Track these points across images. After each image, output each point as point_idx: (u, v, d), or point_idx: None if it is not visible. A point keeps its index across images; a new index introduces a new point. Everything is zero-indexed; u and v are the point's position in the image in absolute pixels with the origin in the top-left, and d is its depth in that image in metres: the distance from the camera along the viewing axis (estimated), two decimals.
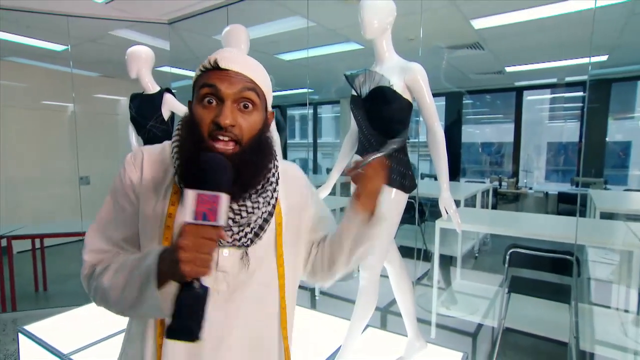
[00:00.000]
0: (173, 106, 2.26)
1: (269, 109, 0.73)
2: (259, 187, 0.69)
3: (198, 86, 0.66)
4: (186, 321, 0.52)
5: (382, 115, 1.51)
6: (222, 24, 2.21)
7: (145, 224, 0.70)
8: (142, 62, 2.25)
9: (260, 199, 0.69)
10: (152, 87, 2.28)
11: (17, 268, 3.26)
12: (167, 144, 0.75)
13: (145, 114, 2.24)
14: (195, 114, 0.65)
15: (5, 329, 2.88)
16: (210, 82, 0.64)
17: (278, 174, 0.75)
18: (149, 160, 0.72)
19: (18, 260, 3.81)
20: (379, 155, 0.71)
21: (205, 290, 0.55)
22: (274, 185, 0.73)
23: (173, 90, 2.35)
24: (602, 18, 2.89)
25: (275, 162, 0.74)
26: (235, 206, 0.66)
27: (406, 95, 1.50)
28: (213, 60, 0.65)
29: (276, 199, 0.74)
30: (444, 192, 1.53)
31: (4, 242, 3.15)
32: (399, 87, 1.48)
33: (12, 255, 3.20)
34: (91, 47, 3.81)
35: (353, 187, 0.74)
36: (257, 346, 0.74)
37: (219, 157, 0.58)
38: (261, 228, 0.71)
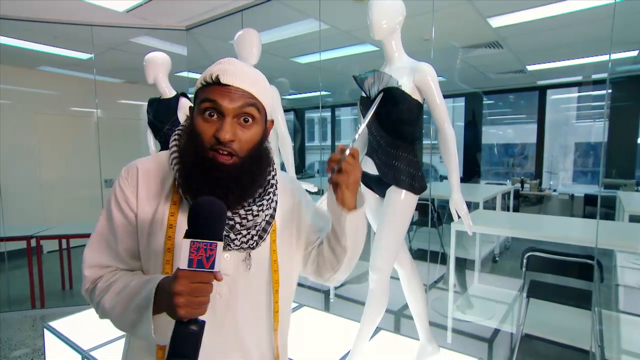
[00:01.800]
0: (189, 110, 2.32)
1: (269, 117, 0.74)
2: (261, 190, 0.72)
3: (200, 99, 0.68)
4: (182, 354, 0.55)
5: (390, 116, 1.50)
6: (237, 28, 2.25)
7: (145, 237, 0.72)
8: (159, 67, 2.32)
9: (264, 202, 0.72)
10: (169, 92, 2.35)
11: (45, 267, 3.43)
12: (162, 154, 0.77)
13: (162, 118, 2.31)
14: (197, 126, 0.67)
15: (34, 324, 3.02)
16: (211, 97, 0.66)
17: (276, 178, 0.78)
18: (144, 174, 0.73)
19: (47, 259, 4.00)
20: (350, 147, 0.69)
21: (201, 326, 0.57)
22: (274, 188, 0.76)
23: (190, 95, 2.41)
24: (629, 11, 2.76)
25: (274, 167, 0.77)
26: (242, 212, 0.69)
27: (415, 96, 1.48)
28: (215, 75, 0.66)
29: (277, 202, 0.76)
30: (455, 193, 1.50)
31: (33, 242, 3.30)
32: (408, 87, 1.46)
33: (40, 254, 3.35)
34: (114, 55, 3.96)
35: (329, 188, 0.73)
36: (251, 349, 0.75)
37: (215, 201, 0.58)
38: (264, 231, 0.73)
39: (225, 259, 0.70)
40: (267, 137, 0.74)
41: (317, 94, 4.26)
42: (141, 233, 0.72)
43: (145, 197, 0.72)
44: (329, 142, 8.43)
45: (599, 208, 2.11)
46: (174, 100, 2.31)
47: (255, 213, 0.70)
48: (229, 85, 0.66)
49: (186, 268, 0.55)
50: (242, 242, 0.71)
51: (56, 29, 3.20)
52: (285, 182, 0.84)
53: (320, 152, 9.07)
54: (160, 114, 2.32)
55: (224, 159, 0.66)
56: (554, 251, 1.95)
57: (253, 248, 0.72)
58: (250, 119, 0.68)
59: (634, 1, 2.56)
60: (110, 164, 4.28)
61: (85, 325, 2.07)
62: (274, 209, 0.75)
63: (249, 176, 0.68)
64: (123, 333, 0.75)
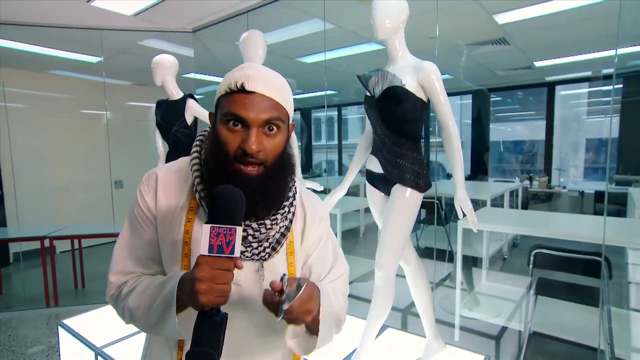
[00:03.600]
0: (196, 111, 2.35)
1: (290, 122, 0.73)
2: (280, 204, 0.72)
3: (223, 108, 0.66)
4: (205, 348, 0.55)
5: (394, 114, 1.51)
6: (243, 29, 2.27)
7: (164, 243, 0.73)
8: (167, 69, 2.35)
9: (279, 216, 0.72)
10: (176, 94, 2.38)
11: (59, 267, 3.50)
12: (182, 160, 0.78)
13: (170, 120, 2.34)
14: (220, 135, 0.66)
15: (49, 322, 3.09)
16: (236, 108, 0.64)
17: (296, 188, 0.77)
18: (164, 180, 0.74)
19: (60, 259, 4.08)
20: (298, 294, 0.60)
21: (223, 317, 0.57)
22: (291, 200, 0.75)
23: (198, 96, 2.45)
24: (637, 5, 2.72)
25: (294, 177, 0.76)
26: (255, 225, 0.69)
27: (419, 95, 1.49)
28: (240, 83, 0.64)
29: (293, 213, 0.76)
30: (460, 191, 1.50)
31: (47, 243, 3.38)
32: (412, 86, 1.47)
33: (54, 254, 3.43)
34: (122, 58, 4.02)
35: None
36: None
37: (233, 189, 0.59)
38: (278, 242, 0.73)
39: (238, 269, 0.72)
40: (289, 142, 0.72)
41: (323, 93, 4.27)
42: (161, 239, 0.74)
43: (164, 204, 0.73)
44: (335, 142, 8.44)
45: (605, 204, 2.09)
46: (181, 102, 2.34)
47: (268, 226, 0.70)
48: (254, 93, 0.64)
49: (207, 254, 0.56)
50: (253, 254, 0.71)
51: (66, 34, 3.26)
52: (321, 208, 0.83)
53: (327, 151, 9.08)
54: (168, 115, 2.35)
55: (249, 170, 0.65)
56: (561, 248, 1.93)
57: (265, 259, 0.72)
58: (275, 128, 0.66)
59: None
60: (120, 165, 4.37)
61: (98, 323, 2.12)
62: (290, 220, 0.75)
63: (275, 185, 0.68)
64: (135, 330, 0.77)
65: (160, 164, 2.51)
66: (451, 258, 3.39)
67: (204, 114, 2.35)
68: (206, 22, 3.23)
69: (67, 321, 2.12)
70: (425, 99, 1.51)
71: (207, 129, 0.76)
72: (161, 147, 2.49)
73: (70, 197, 4.95)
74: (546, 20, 3.04)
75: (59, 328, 2.10)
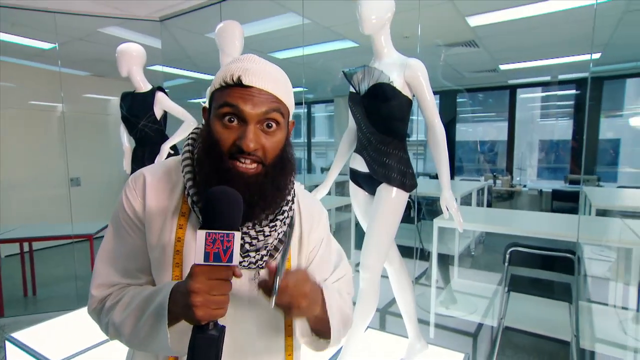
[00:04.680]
0: (166, 105, 2.21)
1: (291, 118, 0.69)
2: (278, 207, 0.67)
3: (218, 102, 0.61)
4: None
5: (381, 112, 1.48)
6: (216, 21, 2.16)
7: (153, 251, 0.66)
8: (133, 60, 2.19)
9: (278, 222, 0.67)
10: (144, 86, 2.23)
11: (4, 272, 3.17)
12: (171, 160, 0.71)
13: (137, 113, 2.18)
14: (215, 132, 0.61)
15: None
16: (232, 102, 0.59)
17: (294, 191, 0.73)
18: (152, 183, 0.67)
19: (6, 264, 3.72)
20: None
21: (220, 331, 0.52)
22: (290, 204, 0.70)
23: (165, 90, 2.30)
24: (597, 15, 2.89)
25: (293, 181, 0.71)
26: (252, 233, 0.64)
27: (406, 92, 1.47)
28: (237, 76, 0.60)
29: (292, 218, 0.71)
30: (446, 190, 1.49)
31: None
32: (398, 83, 1.45)
33: None
34: (80, 45, 3.72)
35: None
36: None
37: (230, 190, 0.54)
38: (276, 249, 0.69)
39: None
40: (290, 140, 0.68)
41: (297, 90, 4.21)
42: (150, 247, 0.67)
43: (153, 208, 0.66)
44: (301, 140, 8.38)
45: (580, 204, 2.19)
46: (150, 95, 2.19)
47: (267, 233, 0.66)
48: (251, 87, 0.60)
49: (202, 263, 0.50)
50: (250, 263, 0.66)
51: (14, 15, 2.95)
52: (320, 212, 0.79)
53: (303, 150, 9.02)
54: (135, 108, 2.19)
55: (246, 168, 0.60)
56: (536, 246, 2.01)
57: (262, 267, 0.67)
58: (274, 125, 0.62)
59: (599, 6, 2.67)
60: (77, 161, 4.05)
61: (53, 336, 1.94)
62: (289, 226, 0.70)
63: (274, 185, 0.63)
64: (95, 342, 0.68)
65: (125, 160, 2.35)
66: (424, 256, 3.45)
67: (174, 108, 2.21)
68: (175, 10, 3.05)
69: (17, 334, 1.93)
70: (411, 97, 1.49)
71: (200, 125, 0.69)
72: (127, 142, 2.32)
73: (20, 196, 4.53)
74: (515, 25, 3.16)
75: (6, 342, 1.89)
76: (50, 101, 4.62)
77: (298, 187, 0.77)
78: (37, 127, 4.69)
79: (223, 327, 0.53)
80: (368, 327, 1.97)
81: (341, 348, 1.67)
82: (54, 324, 2.08)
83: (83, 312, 2.27)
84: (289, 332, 0.71)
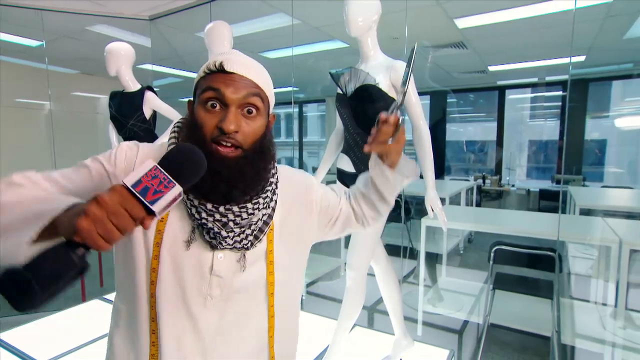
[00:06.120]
0: (155, 105, 2.21)
1: (271, 111, 0.72)
2: (259, 188, 0.69)
3: (201, 88, 0.65)
4: (35, 280, 0.42)
5: (367, 113, 1.50)
6: (205, 20, 2.16)
7: (128, 239, 0.65)
8: (122, 59, 2.18)
9: (260, 200, 0.69)
10: (133, 85, 2.22)
11: None
12: (158, 144, 0.73)
13: (126, 113, 2.18)
14: (198, 117, 0.64)
15: None
16: (214, 86, 0.63)
17: (277, 176, 0.75)
18: (142, 159, 0.68)
19: None
20: (395, 114, 0.76)
21: (83, 264, 0.45)
22: (273, 186, 0.72)
23: (155, 89, 2.29)
24: (580, 19, 2.96)
25: (275, 165, 0.74)
26: (235, 209, 0.65)
27: (392, 94, 1.49)
28: (218, 63, 0.64)
29: (276, 201, 0.73)
30: (430, 190, 1.53)
31: None
32: (384, 85, 1.47)
33: None
34: (68, 43, 3.68)
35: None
36: (246, 354, 0.72)
37: (199, 152, 0.55)
38: (261, 231, 0.70)
39: (219, 259, 0.67)
40: (271, 130, 0.71)
41: (287, 89, 4.23)
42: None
43: None
44: (295, 138, 8.39)
45: (560, 203, 2.26)
46: (139, 94, 2.18)
47: (250, 211, 0.67)
48: (233, 73, 0.64)
49: (127, 185, 0.47)
50: (235, 242, 0.67)
51: (1, 12, 2.91)
52: (300, 176, 0.81)
53: (284, 148, 9.01)
54: (124, 108, 2.19)
55: (226, 151, 0.63)
56: (520, 244, 2.06)
57: (247, 248, 0.69)
58: (254, 110, 0.65)
59: (584, 10, 2.74)
60: (65, 160, 4.00)
61: (40, 336, 1.93)
62: (273, 209, 0.72)
63: (254, 169, 0.66)
64: (83, 342, 0.67)
65: None
66: (412, 254, 3.49)
67: (164, 108, 2.21)
68: (165, 10, 3.04)
69: (3, 335, 1.91)
70: (397, 99, 1.51)
71: (185, 116, 0.71)
72: (115, 142, 2.31)
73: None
74: (502, 27, 3.22)
75: None
76: (37, 99, 4.55)
77: (286, 171, 0.79)
78: (24, 126, 4.61)
79: (85, 266, 0.46)
80: (356, 324, 2.00)
81: (327, 346, 1.69)
82: (41, 324, 2.07)
83: (70, 312, 2.26)
84: (271, 313, 0.73)
